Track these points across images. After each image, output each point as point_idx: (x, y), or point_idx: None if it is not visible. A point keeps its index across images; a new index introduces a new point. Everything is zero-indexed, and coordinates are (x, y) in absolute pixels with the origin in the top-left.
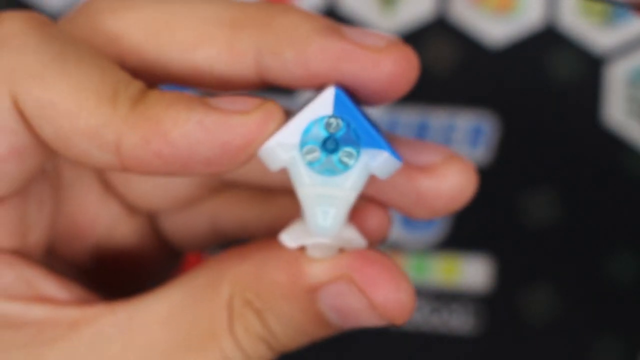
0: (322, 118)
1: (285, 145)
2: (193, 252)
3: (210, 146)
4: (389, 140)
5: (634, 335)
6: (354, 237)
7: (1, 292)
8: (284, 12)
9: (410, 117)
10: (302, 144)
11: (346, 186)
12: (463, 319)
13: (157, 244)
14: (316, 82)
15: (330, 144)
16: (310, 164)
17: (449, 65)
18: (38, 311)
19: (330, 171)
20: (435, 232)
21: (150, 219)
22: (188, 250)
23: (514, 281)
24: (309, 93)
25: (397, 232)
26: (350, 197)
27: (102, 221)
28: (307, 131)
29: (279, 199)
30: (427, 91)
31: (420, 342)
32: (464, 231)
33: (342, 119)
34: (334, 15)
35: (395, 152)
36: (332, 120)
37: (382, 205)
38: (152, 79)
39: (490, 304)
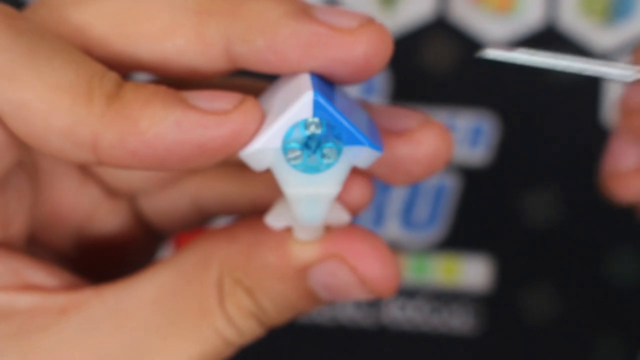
0: (302, 121)
1: (267, 150)
2: (175, 232)
3: (187, 146)
4: (366, 109)
5: (634, 335)
6: (339, 214)
7: None
8: None
9: None
10: (284, 146)
11: (330, 182)
12: (463, 319)
13: (138, 227)
14: (289, 67)
15: (311, 144)
16: (294, 164)
17: (449, 65)
18: (27, 300)
19: (314, 168)
20: (435, 232)
21: (131, 201)
22: (170, 231)
23: (514, 281)
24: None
25: (397, 232)
26: (334, 191)
27: (82, 206)
28: (288, 134)
29: (261, 173)
30: (427, 91)
31: (420, 342)
32: (464, 231)
33: (322, 120)
34: None
35: (374, 142)
36: (312, 121)
37: (363, 173)
38: (120, 70)
39: (490, 304)
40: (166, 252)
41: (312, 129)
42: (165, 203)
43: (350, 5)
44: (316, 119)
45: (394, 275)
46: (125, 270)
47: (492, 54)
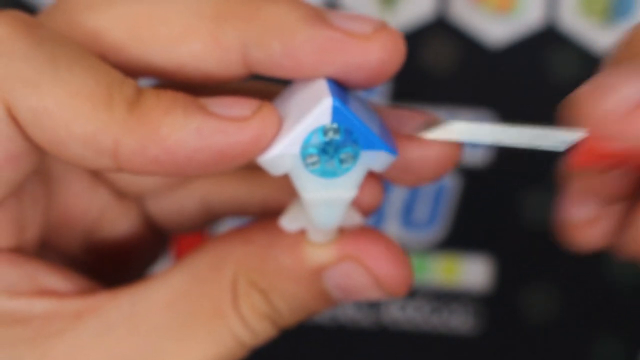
0: (321, 127)
1: (286, 156)
2: (183, 233)
3: (208, 153)
4: (378, 112)
5: (634, 335)
6: (352, 217)
7: (6, 289)
8: (267, 2)
9: None
10: (303, 152)
11: (347, 186)
12: (463, 319)
13: (146, 228)
14: (305, 72)
15: (329, 149)
16: (312, 169)
17: (449, 65)
18: (43, 305)
19: (331, 173)
20: (435, 232)
21: (139, 203)
22: (178, 232)
23: (514, 281)
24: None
25: (397, 232)
26: (351, 195)
27: (93, 209)
28: (307, 140)
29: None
30: (427, 91)
31: (420, 342)
32: (464, 231)
33: (340, 126)
34: None
35: (390, 146)
36: (331, 127)
37: (373, 175)
38: (135, 75)
39: (490, 304)
40: (166, 263)
41: (331, 135)
42: (174, 204)
43: (350, 5)
44: (335, 125)
45: (408, 275)
46: (132, 270)
47: (432, 134)
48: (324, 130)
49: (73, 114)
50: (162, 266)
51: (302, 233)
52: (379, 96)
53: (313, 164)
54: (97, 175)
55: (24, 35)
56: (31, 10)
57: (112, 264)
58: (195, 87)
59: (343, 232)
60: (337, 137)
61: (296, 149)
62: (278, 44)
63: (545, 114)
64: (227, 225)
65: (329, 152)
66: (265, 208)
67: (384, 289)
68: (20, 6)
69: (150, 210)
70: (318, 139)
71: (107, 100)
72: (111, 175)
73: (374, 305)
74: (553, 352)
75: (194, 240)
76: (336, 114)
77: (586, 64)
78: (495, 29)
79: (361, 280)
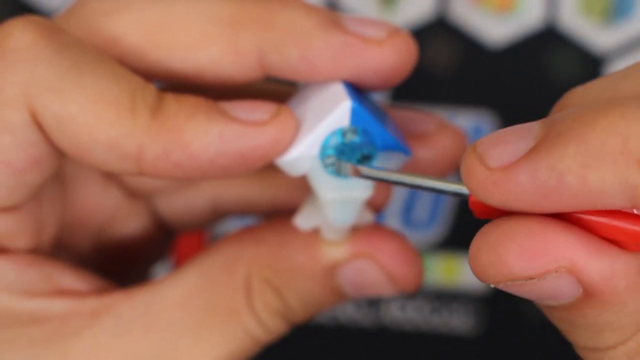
0: (339, 129)
1: (306, 157)
2: (191, 231)
3: (229, 157)
4: (389, 114)
5: None
6: (364, 215)
7: (25, 290)
8: (283, 7)
9: None
10: (322, 153)
11: (363, 186)
12: (463, 319)
13: (154, 227)
14: (320, 76)
15: (347, 150)
16: (330, 170)
17: (449, 65)
18: (61, 305)
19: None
20: (435, 232)
21: (149, 202)
22: (186, 230)
23: None
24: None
25: None
26: (366, 195)
27: (104, 209)
28: (326, 142)
29: (279, 173)
30: (427, 91)
31: (420, 342)
32: (464, 231)
33: (359, 128)
34: None
35: (404, 146)
36: (350, 129)
37: None
38: (152, 79)
39: (490, 304)
40: (165, 269)
41: (349, 137)
42: (184, 203)
43: (350, 5)
44: (353, 127)
45: (419, 271)
46: (138, 268)
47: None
48: (343, 132)
49: (97, 119)
50: (161, 266)
51: (315, 232)
52: (379, 96)
53: (331, 164)
54: (108, 176)
55: (47, 41)
56: (33, 12)
57: (120, 261)
58: (208, 89)
59: (356, 230)
60: (355, 138)
61: (315, 150)
62: (295, 49)
63: (545, 114)
64: (230, 225)
65: (346, 153)
66: (273, 207)
67: (396, 285)
68: (22, 8)
69: (160, 209)
70: (336, 141)
71: (131, 106)
72: (123, 175)
73: (373, 305)
74: (553, 351)
75: (194, 241)
76: (355, 116)
77: (586, 64)
78: (495, 29)
79: (374, 277)
